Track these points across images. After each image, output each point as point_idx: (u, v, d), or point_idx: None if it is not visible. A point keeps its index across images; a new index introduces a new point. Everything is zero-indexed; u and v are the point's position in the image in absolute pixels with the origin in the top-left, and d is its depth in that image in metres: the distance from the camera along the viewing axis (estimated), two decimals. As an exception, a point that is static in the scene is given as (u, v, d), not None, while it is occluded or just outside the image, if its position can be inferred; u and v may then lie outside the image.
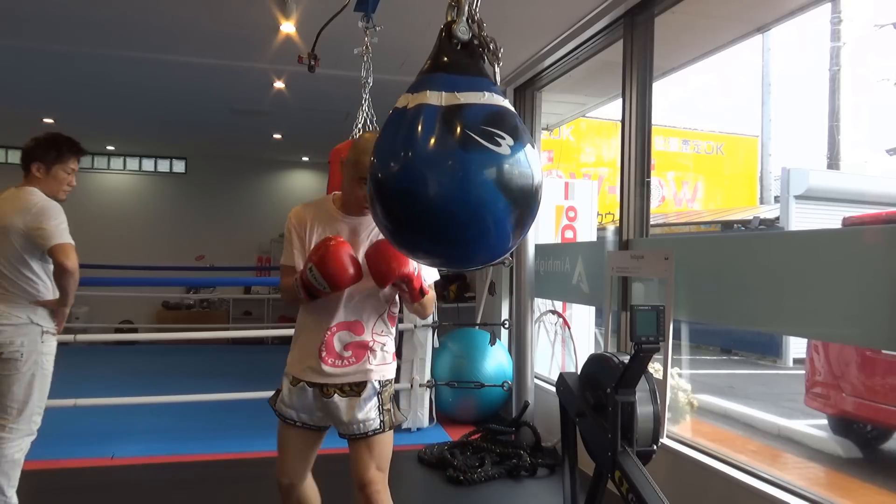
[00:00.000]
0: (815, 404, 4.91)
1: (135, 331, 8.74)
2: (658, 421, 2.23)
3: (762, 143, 13.37)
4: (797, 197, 9.16)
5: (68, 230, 2.58)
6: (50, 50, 4.64)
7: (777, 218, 9.61)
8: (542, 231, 4.94)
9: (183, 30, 4.18)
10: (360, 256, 1.88)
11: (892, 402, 4.32)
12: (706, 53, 4.14)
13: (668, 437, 2.98)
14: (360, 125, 2.90)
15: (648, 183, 3.37)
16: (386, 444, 1.95)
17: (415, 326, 4.47)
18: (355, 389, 1.93)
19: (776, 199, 11.41)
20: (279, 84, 5.34)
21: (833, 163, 12.10)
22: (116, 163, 9.53)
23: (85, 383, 5.43)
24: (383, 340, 1.99)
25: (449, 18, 1.28)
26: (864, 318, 2.15)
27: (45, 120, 7.39)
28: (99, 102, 6.49)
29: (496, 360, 4.59)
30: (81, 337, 6.08)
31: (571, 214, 5.28)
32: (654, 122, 3.41)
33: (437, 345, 4.61)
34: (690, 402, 4.40)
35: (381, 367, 1.98)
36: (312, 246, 1.89)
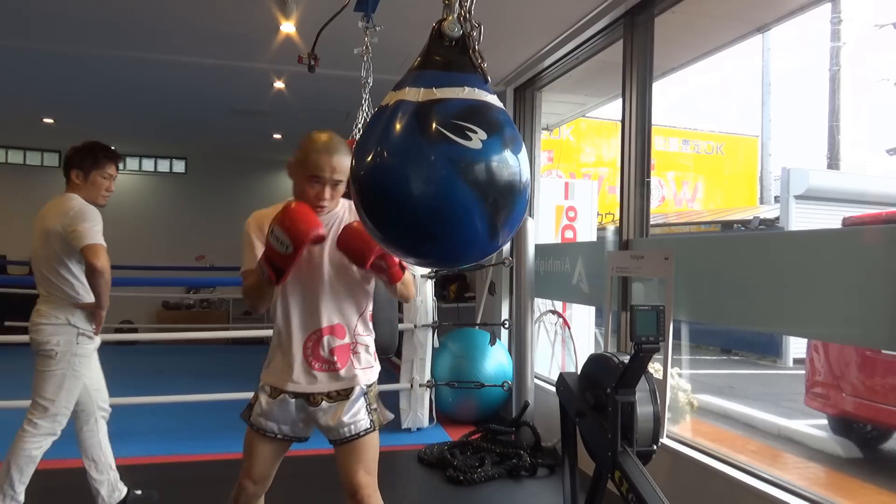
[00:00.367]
0: (815, 404, 4.91)
1: (135, 331, 8.69)
2: (658, 421, 2.23)
3: (762, 143, 13.37)
4: (797, 197, 9.16)
5: (101, 233, 2.68)
6: (50, 50, 4.64)
7: (777, 218, 9.62)
8: (542, 231, 4.94)
9: (183, 30, 4.18)
10: (327, 252, 1.87)
11: (892, 402, 4.32)
12: (706, 53, 4.14)
13: (668, 437, 2.98)
14: (360, 125, 2.89)
15: (648, 183, 3.37)
16: (372, 447, 1.92)
17: (415, 326, 4.47)
18: (343, 394, 1.90)
19: (776, 199, 11.42)
20: (279, 84, 5.34)
21: (833, 163, 12.10)
22: (116, 163, 9.54)
23: (85, 383, 5.43)
24: (366, 342, 1.96)
25: (444, 16, 1.28)
26: (864, 318, 2.15)
27: (45, 120, 7.40)
28: (99, 102, 6.48)
29: (496, 360, 4.59)
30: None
31: (571, 214, 5.29)
32: (654, 122, 3.42)
33: (437, 345, 4.61)
34: (690, 402, 4.40)
35: (367, 370, 1.95)
36: None
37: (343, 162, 1.81)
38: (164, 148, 9.50)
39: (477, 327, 4.97)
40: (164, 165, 9.76)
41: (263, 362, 1.99)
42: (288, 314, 1.91)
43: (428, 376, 4.47)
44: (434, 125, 1.15)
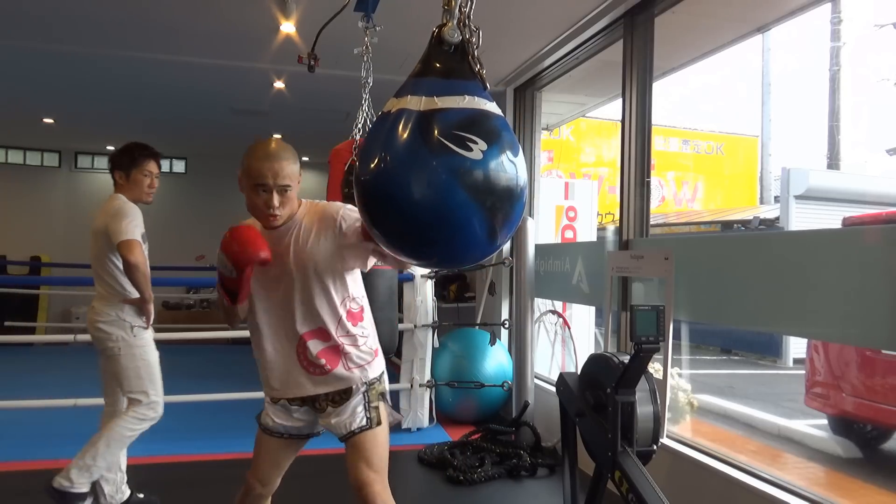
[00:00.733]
0: (815, 404, 4.91)
1: (135, 331, 8.72)
2: (658, 421, 2.23)
3: (762, 143, 13.38)
4: (797, 197, 9.16)
5: (139, 229, 2.82)
6: (50, 50, 4.64)
7: (777, 218, 9.62)
8: (542, 231, 4.94)
9: (183, 30, 4.18)
10: (292, 259, 1.83)
11: (892, 402, 4.32)
12: (706, 53, 4.14)
13: (668, 437, 2.98)
14: (360, 125, 2.90)
15: (648, 183, 3.37)
16: (376, 443, 1.90)
17: (415, 326, 4.47)
18: (344, 396, 1.90)
19: (776, 199, 11.42)
20: (279, 84, 5.34)
21: (833, 163, 12.10)
22: (116, 163, 9.53)
23: (85, 383, 5.43)
24: (355, 340, 1.91)
25: (444, 21, 1.29)
26: (864, 318, 2.15)
27: (45, 120, 7.40)
28: (99, 102, 6.49)
29: (496, 360, 4.59)
30: (81, 337, 6.07)
31: (571, 214, 5.29)
32: (654, 122, 3.42)
33: (437, 345, 4.61)
34: (690, 402, 4.40)
35: (362, 367, 1.92)
36: None
37: (288, 167, 1.78)
38: (164, 148, 9.39)
39: (477, 327, 4.97)
40: (164, 165, 9.73)
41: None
42: (258, 327, 1.92)
43: (428, 376, 4.47)
44: (436, 136, 1.18)
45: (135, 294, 2.85)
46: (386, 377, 2.04)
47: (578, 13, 3.63)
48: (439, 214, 1.17)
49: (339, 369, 1.89)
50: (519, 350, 4.30)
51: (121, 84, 5.65)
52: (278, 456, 1.99)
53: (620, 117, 3.50)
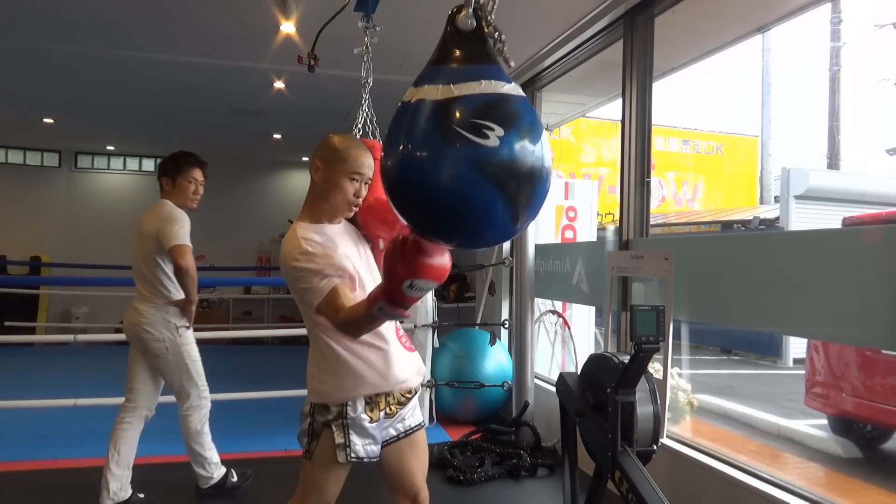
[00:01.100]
0: (815, 404, 4.91)
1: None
2: (658, 421, 2.23)
3: (762, 143, 13.38)
4: (797, 197, 9.16)
5: (188, 235, 2.96)
6: (50, 50, 4.64)
7: (777, 218, 9.62)
8: (542, 231, 4.94)
9: (183, 30, 4.18)
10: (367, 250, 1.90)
11: (892, 402, 4.32)
12: (706, 53, 4.13)
13: (668, 437, 2.98)
14: (360, 125, 2.89)
15: (648, 183, 3.37)
16: (426, 444, 1.94)
17: (415, 326, 4.47)
18: (414, 391, 1.92)
19: (776, 199, 11.42)
20: (279, 84, 5.34)
21: (833, 163, 12.10)
22: (116, 163, 9.50)
23: (85, 383, 5.45)
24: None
25: (459, 6, 1.29)
26: (864, 318, 2.15)
27: (45, 120, 7.40)
28: (99, 102, 6.48)
29: (496, 360, 4.59)
30: (81, 337, 6.08)
31: (571, 214, 5.28)
32: (654, 122, 3.41)
33: (437, 345, 4.61)
34: (690, 402, 4.40)
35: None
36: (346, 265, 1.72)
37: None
38: (164, 148, 9.46)
39: (477, 327, 4.97)
40: (163, 165, 9.76)
41: (314, 382, 1.79)
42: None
43: (428, 376, 4.47)
44: (452, 125, 1.18)
45: (177, 296, 2.97)
46: None
47: (578, 13, 3.63)
48: (460, 202, 1.19)
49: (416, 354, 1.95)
50: (519, 350, 4.30)
51: (121, 84, 5.65)
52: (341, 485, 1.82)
53: (620, 117, 3.50)
